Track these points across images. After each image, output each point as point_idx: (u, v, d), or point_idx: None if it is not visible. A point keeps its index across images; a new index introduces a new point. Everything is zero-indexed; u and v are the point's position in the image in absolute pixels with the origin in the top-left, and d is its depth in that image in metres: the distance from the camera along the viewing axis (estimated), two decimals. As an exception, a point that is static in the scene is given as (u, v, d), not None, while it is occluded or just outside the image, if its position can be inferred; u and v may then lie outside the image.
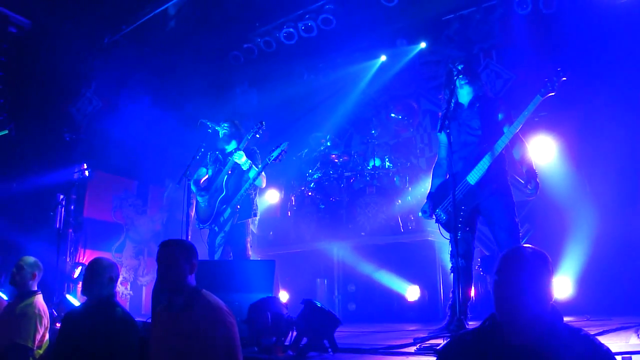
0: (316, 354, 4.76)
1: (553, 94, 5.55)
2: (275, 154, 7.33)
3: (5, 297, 6.76)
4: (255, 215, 7.76)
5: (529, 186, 5.71)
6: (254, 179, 7.44)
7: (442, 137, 5.89)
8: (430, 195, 6.11)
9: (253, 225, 7.88)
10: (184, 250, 4.04)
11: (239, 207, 7.52)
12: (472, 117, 5.89)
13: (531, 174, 5.75)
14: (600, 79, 8.66)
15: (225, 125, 7.89)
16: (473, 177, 5.71)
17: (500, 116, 5.91)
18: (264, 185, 7.85)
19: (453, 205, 5.35)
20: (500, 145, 5.65)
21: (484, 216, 5.83)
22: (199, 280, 4.08)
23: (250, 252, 7.60)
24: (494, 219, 5.71)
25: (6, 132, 9.07)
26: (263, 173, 7.54)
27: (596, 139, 8.65)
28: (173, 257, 3.99)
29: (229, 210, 7.51)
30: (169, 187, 12.25)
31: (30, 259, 5.98)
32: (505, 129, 5.79)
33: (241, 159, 7.44)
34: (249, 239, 7.62)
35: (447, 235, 5.85)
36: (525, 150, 5.87)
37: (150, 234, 12.10)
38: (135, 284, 11.60)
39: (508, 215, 5.65)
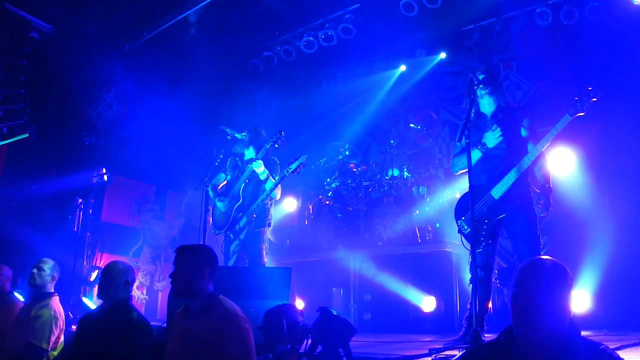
0: (331, 363, 4.74)
1: (582, 114, 5.50)
2: (293, 166, 7.35)
3: (22, 298, 6.80)
4: (269, 225, 7.77)
5: (541, 201, 5.68)
6: (271, 190, 7.46)
7: (462, 144, 5.85)
8: (460, 200, 6.08)
9: (269, 235, 7.89)
10: (194, 257, 4.05)
11: (254, 215, 7.54)
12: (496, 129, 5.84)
13: (546, 191, 5.72)
14: (621, 90, 8.58)
15: (245, 132, 7.92)
16: (497, 192, 5.68)
17: (523, 130, 5.87)
18: (278, 196, 7.90)
19: (472, 217, 5.34)
20: (527, 162, 5.62)
21: (506, 228, 5.80)
22: (216, 286, 4.09)
23: (265, 260, 7.60)
24: (516, 232, 5.67)
25: (27, 135, 9.14)
26: (279, 185, 7.56)
27: (616, 152, 8.59)
28: (181, 263, 4.02)
29: (244, 219, 7.54)
30: (188, 193, 12.28)
31: (51, 261, 6.03)
32: (529, 146, 5.75)
33: (259, 168, 7.46)
34: (264, 246, 7.62)
35: (470, 246, 5.81)
36: (545, 166, 5.83)
37: (168, 239, 12.13)
38: (152, 289, 11.63)
39: (530, 228, 5.61)
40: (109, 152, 11.03)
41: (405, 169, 10.14)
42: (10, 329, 5.84)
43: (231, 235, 7.63)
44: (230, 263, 7.49)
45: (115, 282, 4.70)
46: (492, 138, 5.77)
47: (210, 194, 7.81)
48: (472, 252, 5.49)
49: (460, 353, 4.45)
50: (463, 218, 5.89)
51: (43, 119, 9.97)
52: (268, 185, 7.51)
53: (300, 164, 7.36)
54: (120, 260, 5.75)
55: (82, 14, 9.99)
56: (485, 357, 2.88)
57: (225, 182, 8.00)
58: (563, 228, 8.86)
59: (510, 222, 5.71)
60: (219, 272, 4.20)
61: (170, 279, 4.02)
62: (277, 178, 7.52)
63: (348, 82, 12.12)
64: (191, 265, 4.00)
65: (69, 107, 10.58)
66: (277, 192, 7.72)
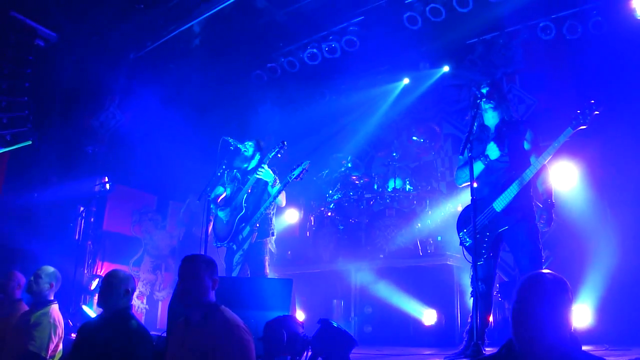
0: (331, 375, 4.71)
1: (585, 127, 5.49)
2: (296, 172, 7.34)
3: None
4: (272, 234, 7.76)
5: (543, 216, 5.66)
6: (276, 195, 7.44)
7: (465, 157, 5.84)
8: (462, 212, 6.07)
9: (271, 244, 7.88)
10: (207, 266, 4.05)
11: (258, 225, 7.52)
12: (499, 142, 5.83)
13: (548, 206, 5.69)
14: (623, 105, 8.58)
15: (250, 144, 7.92)
16: (499, 204, 5.66)
17: (526, 143, 5.87)
18: (283, 204, 7.88)
19: (473, 230, 5.34)
20: (529, 174, 5.60)
21: (507, 242, 5.78)
22: (217, 297, 4.08)
23: (268, 271, 7.58)
24: (518, 245, 5.65)
25: (30, 142, 9.15)
26: (283, 192, 7.55)
27: (618, 166, 8.59)
28: (197, 271, 4.00)
29: (247, 229, 7.52)
30: (186, 202, 12.29)
31: (49, 268, 6.02)
32: (532, 159, 5.73)
33: (265, 174, 7.50)
34: (267, 258, 7.61)
35: (471, 258, 5.80)
36: (548, 180, 5.81)
37: (169, 249, 12.12)
38: (152, 298, 11.60)
39: (532, 241, 5.59)
40: (111, 160, 11.03)
41: (408, 182, 10.14)
42: (9, 335, 5.82)
43: (234, 246, 7.59)
44: (234, 274, 7.47)
45: (115, 290, 4.69)
46: (495, 149, 5.76)
47: (211, 206, 7.79)
48: (474, 265, 5.49)
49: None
50: (465, 230, 5.88)
51: (46, 126, 9.96)
52: (273, 191, 7.51)
53: (304, 169, 7.35)
54: (121, 269, 5.74)
55: (86, 23, 10.01)
56: (486, 370, 2.87)
57: (223, 195, 7.99)
58: (565, 242, 8.83)
59: (511, 235, 5.69)
60: (220, 283, 4.19)
61: (185, 289, 3.98)
62: (279, 185, 7.52)
63: (351, 94, 12.15)
64: (206, 274, 4.00)
65: (73, 115, 10.57)
66: (282, 199, 7.72)
